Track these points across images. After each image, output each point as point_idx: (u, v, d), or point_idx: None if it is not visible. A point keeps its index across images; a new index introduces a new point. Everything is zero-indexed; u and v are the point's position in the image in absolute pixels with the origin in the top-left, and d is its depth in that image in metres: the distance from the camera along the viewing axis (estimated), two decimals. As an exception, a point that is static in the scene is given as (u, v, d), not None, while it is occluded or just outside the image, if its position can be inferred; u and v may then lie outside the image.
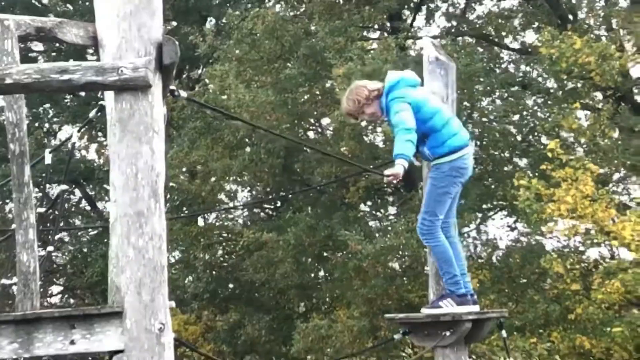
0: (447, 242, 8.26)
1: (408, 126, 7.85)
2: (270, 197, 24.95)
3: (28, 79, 5.08)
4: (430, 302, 8.78)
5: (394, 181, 7.86)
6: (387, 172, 7.78)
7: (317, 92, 22.52)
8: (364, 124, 22.45)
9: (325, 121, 25.28)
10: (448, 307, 8.29)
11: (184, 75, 28.56)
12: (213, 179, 24.06)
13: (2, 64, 5.56)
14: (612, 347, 18.63)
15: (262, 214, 27.03)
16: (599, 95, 22.00)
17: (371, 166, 19.24)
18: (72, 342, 5.18)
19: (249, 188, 26.33)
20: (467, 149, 8.35)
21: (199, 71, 28.01)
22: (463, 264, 8.58)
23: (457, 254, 8.45)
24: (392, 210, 25.28)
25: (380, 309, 19.95)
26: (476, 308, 8.52)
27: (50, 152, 6.81)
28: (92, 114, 6.64)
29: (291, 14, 23.11)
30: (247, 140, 23.02)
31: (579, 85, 20.96)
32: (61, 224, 21.65)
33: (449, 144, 8.19)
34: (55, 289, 29.58)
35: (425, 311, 8.68)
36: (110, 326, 5.16)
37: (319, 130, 25.99)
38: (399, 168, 7.62)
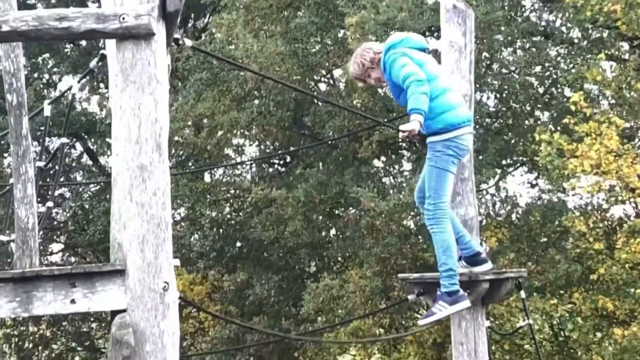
0: (452, 233, 8.11)
1: (420, 77, 7.67)
2: (279, 151, 24.94)
3: (25, 26, 5.08)
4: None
5: (410, 137, 7.73)
6: (402, 127, 7.65)
7: (329, 42, 22.45)
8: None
9: (337, 73, 25.25)
10: (441, 311, 8.08)
11: (189, 24, 28.50)
12: (220, 132, 24.05)
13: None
14: (636, 309, 18.67)
15: (270, 169, 27.04)
16: (625, 45, 21.90)
17: (385, 120, 19.24)
18: (73, 301, 5.21)
19: (257, 142, 26.31)
20: (464, 129, 8.08)
21: (205, 20, 27.93)
22: (460, 227, 8.48)
23: (452, 218, 8.36)
24: (407, 165, 25.27)
25: (394, 268, 20.01)
26: (468, 304, 8.22)
27: (49, 104, 6.82)
28: (92, 63, 6.65)
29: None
30: (255, 92, 23.00)
31: (604, 34, 20.89)
32: (61, 179, 21.72)
33: (443, 119, 7.94)
34: (56, 247, 29.70)
35: (421, 322, 8.71)
36: (112, 285, 5.19)
37: (331, 82, 25.95)
38: (414, 124, 7.50)
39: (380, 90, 23.17)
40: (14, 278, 5.22)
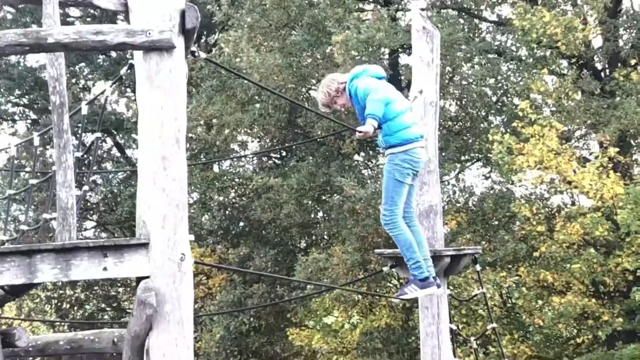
0: (409, 230, 7.91)
1: (379, 91, 7.63)
2: (276, 147, 24.92)
3: (67, 38, 5.07)
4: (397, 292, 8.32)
5: (364, 137, 7.64)
6: (359, 128, 7.52)
7: (319, 56, 22.40)
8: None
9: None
10: (412, 292, 7.93)
11: (202, 40, 28.39)
12: (227, 130, 24.01)
13: (45, 26, 5.53)
14: (571, 281, 18.76)
15: (269, 162, 27.02)
16: (564, 62, 21.94)
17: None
18: (105, 269, 5.21)
19: (258, 139, 26.29)
20: (418, 143, 7.86)
21: (215, 37, 27.81)
22: (426, 249, 8.14)
23: (420, 240, 8.06)
24: (382, 159, 25.28)
25: (371, 245, 20.03)
26: (439, 290, 8.18)
27: (86, 104, 6.80)
28: (122, 71, 6.61)
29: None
30: (257, 97, 23.00)
31: (547, 53, 20.92)
32: (95, 168, 21.68)
33: (399, 135, 7.76)
34: (89, 224, 29.62)
35: (394, 300, 8.54)
36: (138, 255, 5.19)
37: (319, 89, 25.88)
38: (369, 127, 7.40)
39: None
40: (55, 249, 5.21)
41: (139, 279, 5.24)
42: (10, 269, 5.18)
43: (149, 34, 5.02)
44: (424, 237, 8.22)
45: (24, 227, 7.57)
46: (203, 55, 5.69)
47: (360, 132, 7.49)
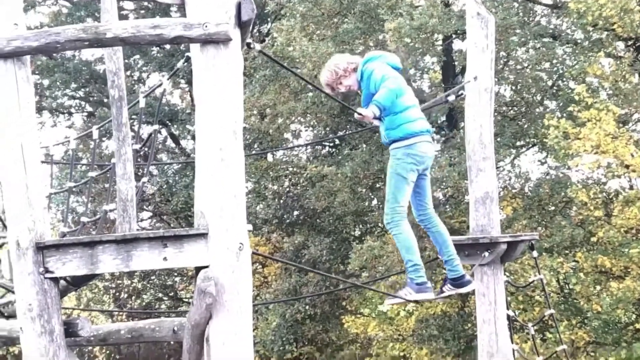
0: (410, 232, 7.58)
1: (397, 80, 7.39)
2: (329, 135, 24.95)
3: (125, 33, 5.14)
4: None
5: (363, 120, 7.29)
6: (359, 110, 7.21)
7: (371, 44, 22.37)
8: (412, 71, 22.34)
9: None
10: (407, 295, 7.56)
11: (255, 30, 28.48)
12: (280, 119, 24.11)
13: (103, 20, 5.63)
14: (629, 266, 18.57)
15: (323, 150, 27.07)
16: (620, 44, 21.66)
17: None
18: (165, 259, 5.28)
19: (311, 127, 26.35)
20: (422, 137, 7.57)
21: (268, 26, 27.90)
22: (450, 249, 7.88)
23: (444, 241, 7.87)
24: (436, 146, 25.22)
25: (425, 231, 19.97)
26: (432, 296, 7.71)
27: (144, 97, 6.88)
28: (179, 64, 6.69)
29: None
30: (309, 86, 23.05)
31: (603, 36, 20.66)
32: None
33: (403, 129, 7.50)
34: (145, 215, 29.93)
35: (387, 302, 8.15)
36: (197, 245, 5.25)
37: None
38: (369, 112, 7.08)
39: (414, 84, 23.13)
40: (116, 240, 5.30)
41: (197, 269, 5.31)
42: (73, 260, 5.28)
43: (206, 27, 5.08)
44: (448, 237, 7.92)
45: (84, 219, 7.70)
46: (258, 47, 5.74)
47: (360, 114, 7.18)
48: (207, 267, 5.24)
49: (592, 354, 20.47)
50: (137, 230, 7.16)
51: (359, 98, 8.05)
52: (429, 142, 7.67)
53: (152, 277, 28.42)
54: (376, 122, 7.68)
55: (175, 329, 6.82)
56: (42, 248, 5.27)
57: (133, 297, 28.76)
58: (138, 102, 6.91)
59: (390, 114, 7.46)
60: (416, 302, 7.77)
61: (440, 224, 8.00)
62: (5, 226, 6.73)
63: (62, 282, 5.61)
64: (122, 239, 5.33)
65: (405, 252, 7.64)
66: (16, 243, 5.24)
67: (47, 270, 5.27)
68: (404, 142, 7.52)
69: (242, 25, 5.28)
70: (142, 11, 28.40)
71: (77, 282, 5.82)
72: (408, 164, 7.49)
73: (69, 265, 5.29)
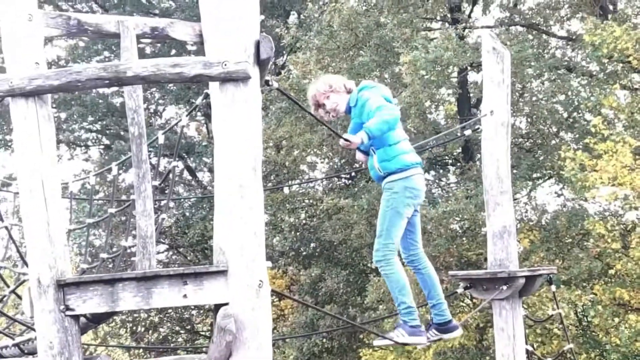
0: (403, 272, 7.28)
1: (394, 111, 7.07)
2: (346, 168, 24.99)
3: (146, 71, 5.17)
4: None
5: (347, 147, 6.93)
6: (346, 136, 6.90)
7: (387, 77, 22.47)
8: (427, 103, 22.36)
9: (393, 102, 25.22)
10: (399, 337, 7.22)
11: (271, 62, 28.66)
12: (296, 152, 24.19)
13: (123, 59, 5.66)
14: (648, 299, 18.50)
15: (339, 182, 27.11)
16: (636, 76, 21.70)
17: (435, 141, 19.18)
18: (185, 296, 5.26)
19: (327, 159, 26.41)
20: (417, 170, 7.31)
21: (284, 58, 28.07)
22: (439, 292, 7.59)
23: (433, 284, 7.56)
24: (452, 178, 25.21)
25: (443, 265, 19.98)
26: (424, 340, 7.37)
27: (162, 134, 6.91)
28: (198, 101, 6.73)
29: (364, 7, 23.01)
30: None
31: (619, 68, 20.70)
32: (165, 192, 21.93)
33: (399, 161, 7.20)
34: (161, 247, 30.00)
35: (376, 343, 7.69)
36: (217, 282, 5.23)
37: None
38: (357, 138, 6.78)
39: (430, 116, 23.15)
40: (137, 277, 5.29)
41: (217, 306, 5.31)
42: (94, 297, 5.28)
43: (225, 65, 5.10)
44: (436, 279, 7.63)
45: (103, 255, 7.72)
46: (276, 85, 5.76)
47: (347, 140, 6.84)
48: (226, 304, 5.23)
49: (612, 386, 20.33)
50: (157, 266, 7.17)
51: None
52: (422, 176, 7.43)
53: (169, 310, 28.44)
54: (361, 157, 7.42)
55: (195, 365, 6.80)
56: (62, 285, 5.28)
57: (150, 331, 28.75)
58: (157, 138, 6.95)
59: (383, 147, 7.18)
60: (405, 344, 7.36)
61: (430, 265, 7.68)
62: (26, 263, 6.75)
63: (82, 319, 5.62)
64: (143, 276, 5.32)
65: (398, 293, 7.30)
66: (37, 280, 5.25)
67: (67, 308, 5.27)
68: (402, 174, 7.21)
69: (260, 63, 5.31)
70: (159, 44, 28.59)
71: (97, 319, 5.82)
72: (406, 198, 7.17)
73: (89, 302, 5.30)
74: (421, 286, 7.55)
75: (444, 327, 7.61)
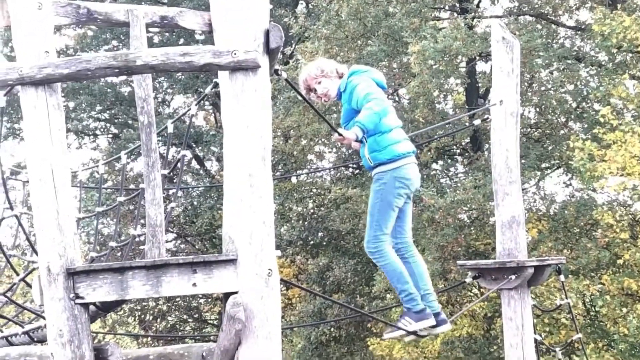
0: (398, 259, 7.11)
1: (383, 101, 6.84)
2: (354, 157, 24.98)
3: (155, 60, 5.15)
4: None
5: (341, 142, 6.81)
6: (341, 131, 6.76)
7: (395, 66, 22.43)
8: (435, 93, 22.31)
9: (402, 91, 25.23)
10: (407, 325, 7.10)
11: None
12: (304, 141, 24.18)
13: (133, 48, 5.66)
14: (656, 289, 18.48)
15: (346, 172, 27.10)
16: (645, 66, 21.63)
17: (442, 131, 19.12)
18: (194, 285, 5.27)
19: (335, 149, 26.41)
20: (409, 159, 7.17)
21: (292, 48, 28.04)
22: (426, 282, 7.36)
23: (420, 273, 7.32)
24: (460, 168, 25.19)
25: (451, 254, 19.97)
26: (432, 322, 7.20)
27: (172, 123, 6.91)
28: (207, 90, 6.71)
29: (372, -3, 22.97)
30: (333, 107, 23.09)
31: (628, 58, 20.62)
32: (174, 181, 21.96)
33: (390, 151, 7.06)
34: (170, 236, 30.03)
35: (386, 336, 7.45)
36: (226, 271, 5.24)
37: (396, 99, 25.94)
38: (351, 134, 6.61)
39: (438, 105, 23.12)
40: (146, 266, 5.30)
41: (226, 295, 5.32)
42: (103, 285, 5.29)
43: (235, 54, 5.09)
44: (424, 269, 7.43)
45: (112, 244, 7.73)
46: (285, 75, 5.74)
47: (341, 135, 6.70)
48: (236, 292, 5.24)
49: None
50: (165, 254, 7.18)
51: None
52: (415, 165, 7.29)
53: (177, 299, 28.50)
54: (355, 145, 7.26)
55: (204, 354, 6.81)
56: (72, 274, 5.29)
57: (158, 319, 28.82)
58: (166, 127, 6.94)
59: (374, 135, 7.03)
60: (415, 333, 7.20)
61: (418, 254, 7.51)
62: (35, 251, 6.76)
63: (91, 307, 5.63)
64: (152, 264, 5.32)
65: (397, 282, 7.11)
66: (47, 269, 5.26)
67: (77, 296, 5.28)
68: (392, 164, 7.08)
69: (270, 52, 5.30)
70: (167, 33, 28.58)
71: (106, 308, 5.83)
72: (396, 189, 7.06)
73: (99, 290, 5.31)
74: (408, 275, 7.24)
75: (420, 314, 7.25)
